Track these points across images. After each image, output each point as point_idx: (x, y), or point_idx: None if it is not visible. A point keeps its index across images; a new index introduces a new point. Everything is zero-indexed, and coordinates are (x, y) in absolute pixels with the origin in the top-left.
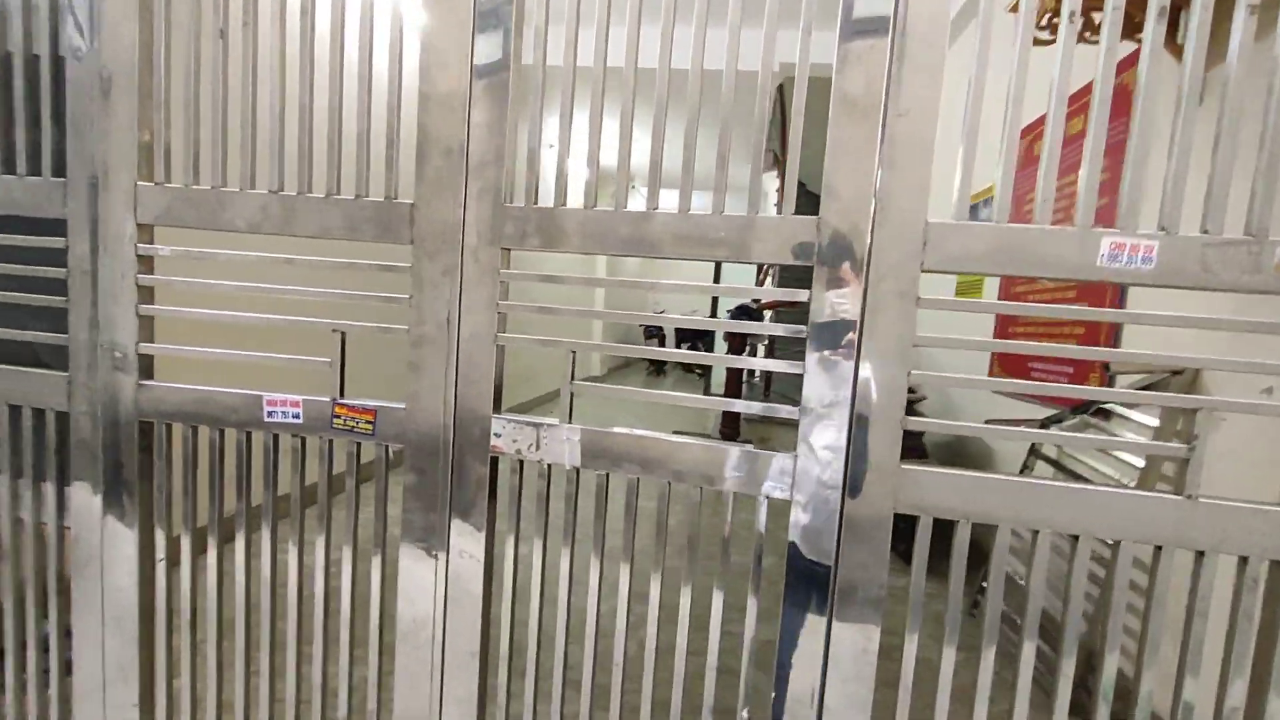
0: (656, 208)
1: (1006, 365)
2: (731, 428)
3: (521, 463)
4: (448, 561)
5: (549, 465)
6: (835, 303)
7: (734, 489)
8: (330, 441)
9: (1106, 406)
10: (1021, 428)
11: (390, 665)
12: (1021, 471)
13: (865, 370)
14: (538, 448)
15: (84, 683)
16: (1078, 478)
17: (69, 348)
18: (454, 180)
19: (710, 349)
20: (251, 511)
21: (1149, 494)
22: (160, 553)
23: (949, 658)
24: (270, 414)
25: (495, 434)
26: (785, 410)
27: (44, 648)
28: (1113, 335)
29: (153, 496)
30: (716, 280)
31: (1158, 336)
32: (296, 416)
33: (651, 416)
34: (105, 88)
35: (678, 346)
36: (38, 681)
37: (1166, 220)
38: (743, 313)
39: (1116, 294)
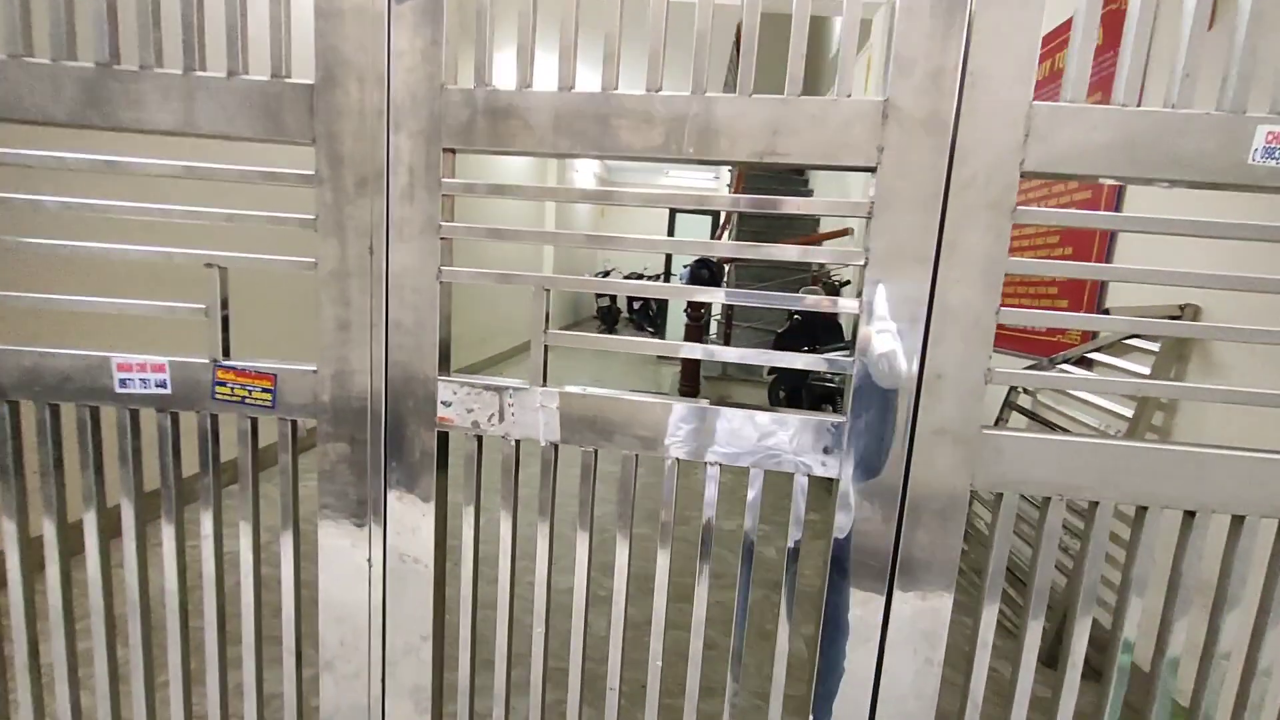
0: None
1: None
2: (691, 386)
3: (480, 438)
4: (385, 536)
5: (517, 441)
6: (905, 217)
7: (765, 465)
8: (213, 419)
9: (1090, 356)
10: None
11: (312, 658)
12: (996, 424)
13: (942, 308)
14: (501, 418)
15: None
16: (1056, 428)
17: None
18: (373, 49)
19: (662, 306)
20: (106, 512)
21: None
22: None
23: (1029, 670)
24: (123, 383)
25: (443, 402)
26: (839, 361)
27: None
28: (1097, 288)
29: None
30: (671, 234)
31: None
32: (162, 385)
33: (605, 378)
34: None
35: (629, 306)
36: None
37: None
38: (702, 266)
39: (1105, 242)
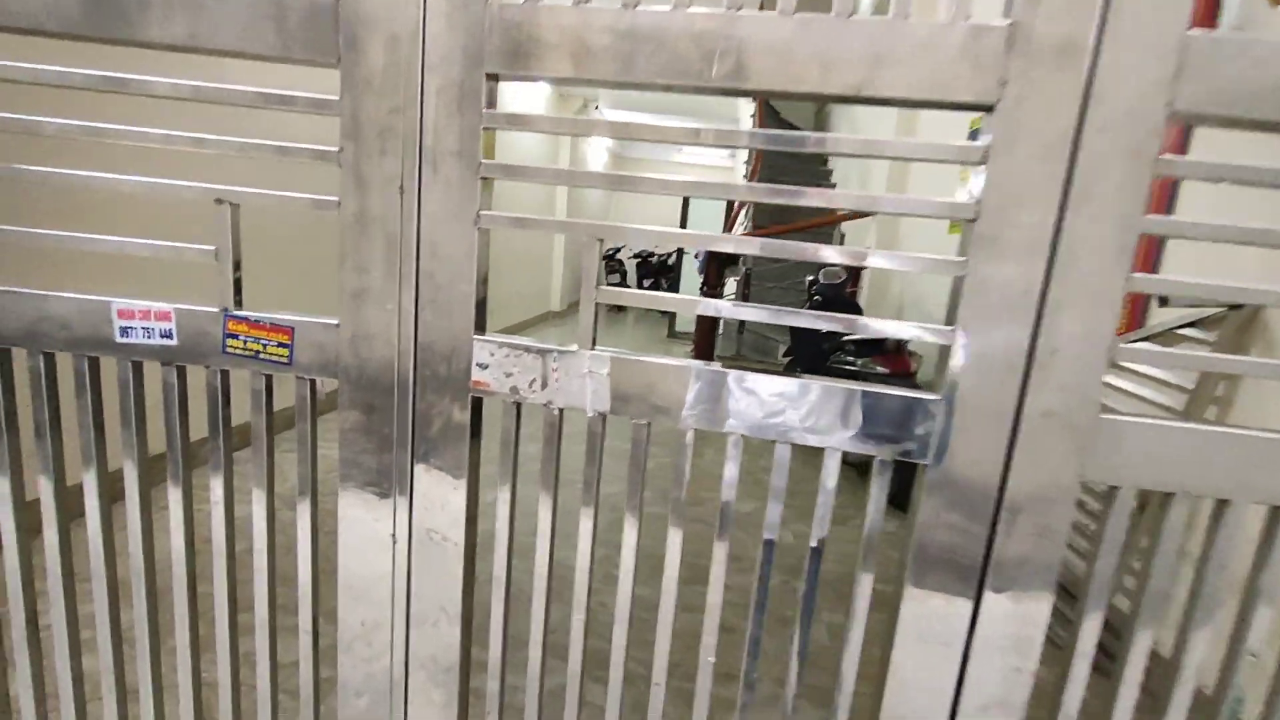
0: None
1: None
2: None
3: (519, 405)
4: (411, 511)
5: (560, 410)
6: (1027, 165)
7: (851, 447)
8: (223, 374)
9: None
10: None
11: (328, 631)
12: None
13: (1064, 272)
14: (544, 385)
15: None
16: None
17: None
18: None
19: (674, 286)
20: (106, 476)
21: None
22: None
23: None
24: (125, 331)
25: (479, 364)
26: (939, 330)
27: None
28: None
29: None
30: (684, 224)
31: (1208, 270)
32: (167, 335)
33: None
34: None
35: (639, 283)
36: None
37: None
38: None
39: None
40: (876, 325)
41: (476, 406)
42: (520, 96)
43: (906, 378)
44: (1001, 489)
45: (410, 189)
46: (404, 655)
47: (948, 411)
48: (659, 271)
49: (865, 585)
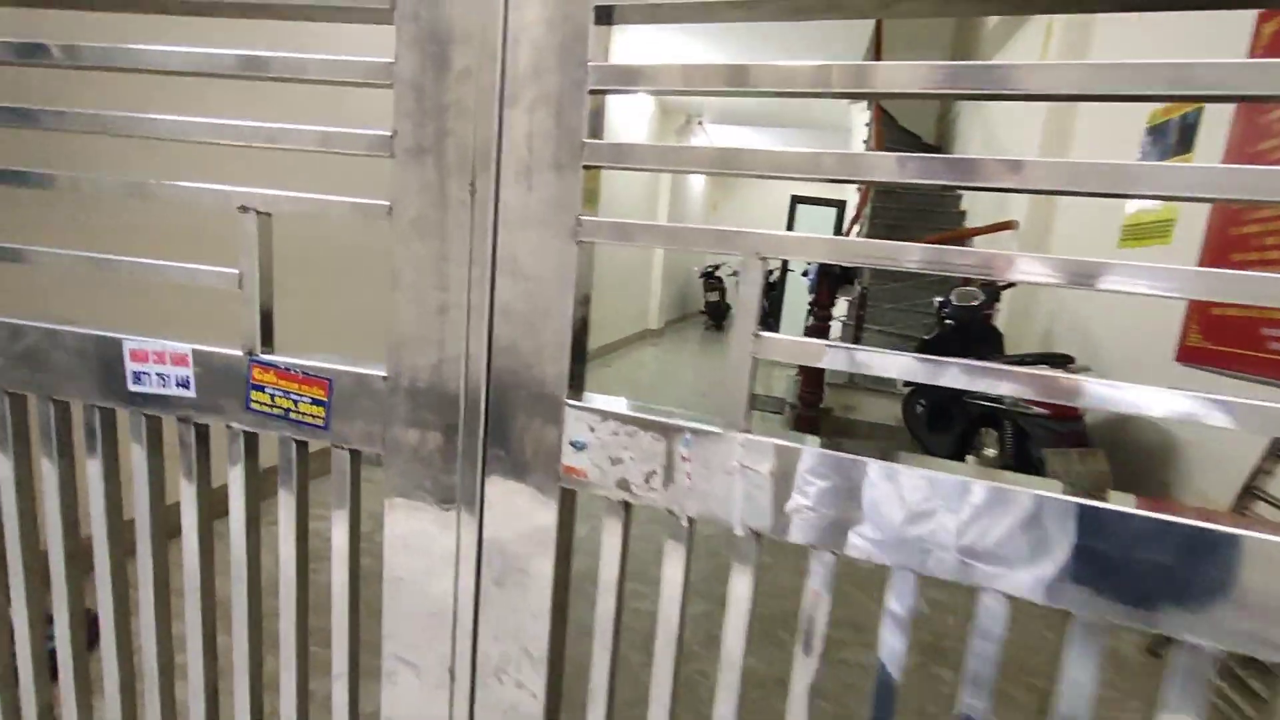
0: None
1: (1212, 333)
2: (814, 393)
3: (628, 507)
4: (481, 524)
5: (691, 521)
6: None
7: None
8: (248, 437)
9: None
10: None
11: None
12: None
13: None
14: (668, 479)
15: None
16: None
17: None
18: None
19: (776, 304)
20: (116, 530)
21: None
22: None
23: None
24: (138, 377)
25: (574, 443)
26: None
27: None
28: None
29: None
30: (790, 228)
31: None
32: (184, 384)
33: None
34: None
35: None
36: None
37: None
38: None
39: None
40: (1103, 393)
41: (567, 500)
42: (617, 118)
43: (1073, 423)
44: None
45: (484, 187)
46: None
47: None
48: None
49: None
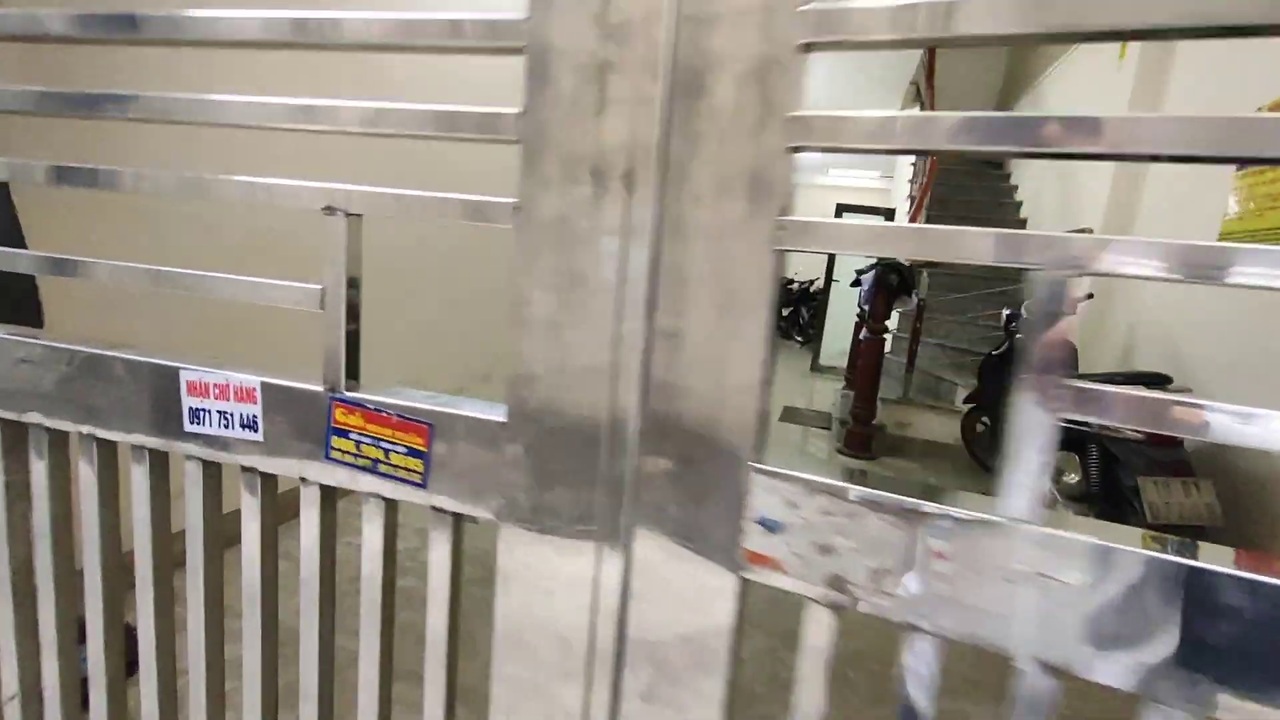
0: None
1: None
2: (867, 408)
3: (837, 613)
4: (628, 560)
5: (936, 640)
6: None
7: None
8: (324, 493)
9: None
10: None
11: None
12: None
13: None
14: (903, 583)
15: None
16: None
17: None
18: None
19: (818, 317)
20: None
21: None
22: None
23: None
24: (197, 415)
25: (763, 521)
26: None
27: None
28: None
29: None
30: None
31: None
32: (250, 424)
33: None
34: None
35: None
36: None
37: None
38: (890, 270)
39: None
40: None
41: (747, 597)
42: None
43: (1174, 449)
44: None
45: (645, 180)
46: None
47: None
48: (799, 300)
49: None
